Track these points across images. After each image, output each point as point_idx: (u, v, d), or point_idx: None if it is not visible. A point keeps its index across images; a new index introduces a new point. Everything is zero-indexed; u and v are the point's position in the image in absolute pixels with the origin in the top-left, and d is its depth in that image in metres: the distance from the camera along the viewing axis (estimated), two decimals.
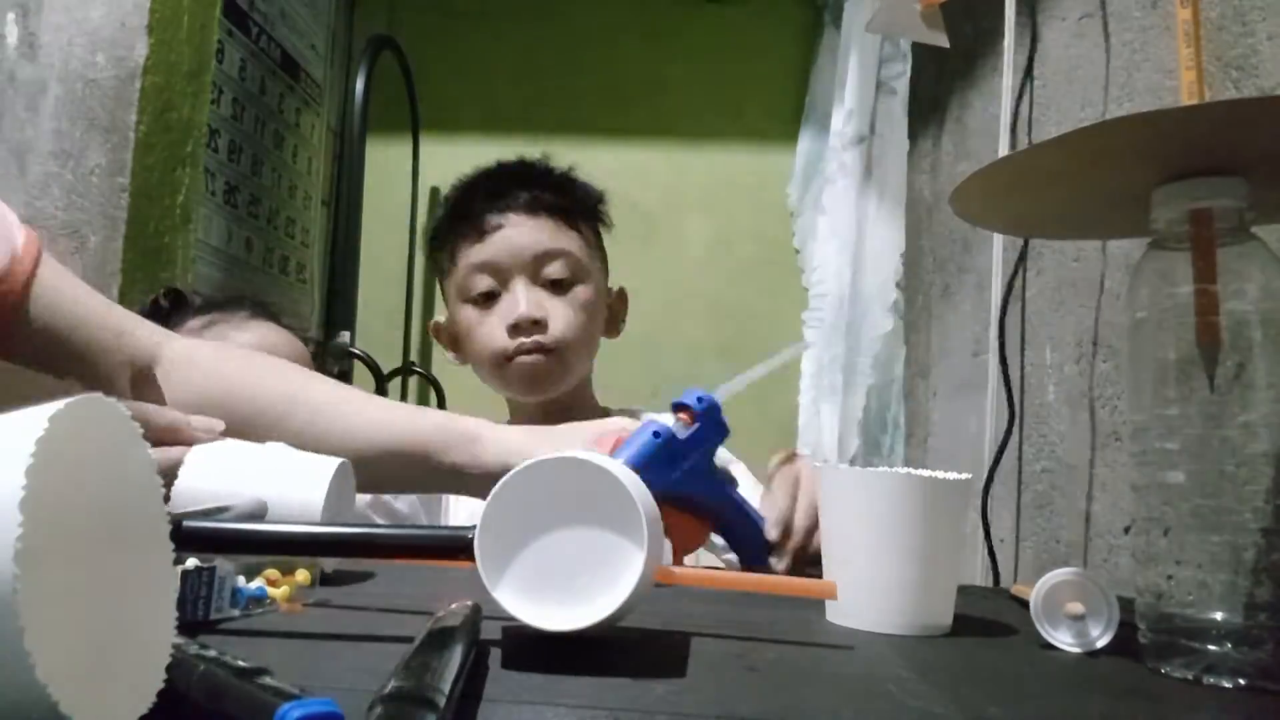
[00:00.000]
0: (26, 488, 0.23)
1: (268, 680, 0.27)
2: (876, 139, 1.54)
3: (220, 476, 0.54)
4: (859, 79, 1.53)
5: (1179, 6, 0.67)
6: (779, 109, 1.84)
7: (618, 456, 0.62)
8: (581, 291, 0.98)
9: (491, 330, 0.97)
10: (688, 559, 0.73)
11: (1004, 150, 1.02)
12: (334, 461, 0.57)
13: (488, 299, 0.98)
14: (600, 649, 0.43)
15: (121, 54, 1.16)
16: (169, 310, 0.99)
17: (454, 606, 0.40)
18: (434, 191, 1.92)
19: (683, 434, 0.65)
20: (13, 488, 0.23)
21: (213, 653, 0.29)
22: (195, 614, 0.42)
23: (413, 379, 1.88)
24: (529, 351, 0.96)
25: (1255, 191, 0.46)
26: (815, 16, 1.85)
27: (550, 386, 0.98)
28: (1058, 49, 1.00)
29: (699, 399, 0.67)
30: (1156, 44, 0.80)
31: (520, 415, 1.05)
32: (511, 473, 0.39)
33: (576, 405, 1.02)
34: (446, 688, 0.29)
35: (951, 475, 0.53)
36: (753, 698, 0.36)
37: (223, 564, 0.44)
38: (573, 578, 0.39)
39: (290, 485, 0.54)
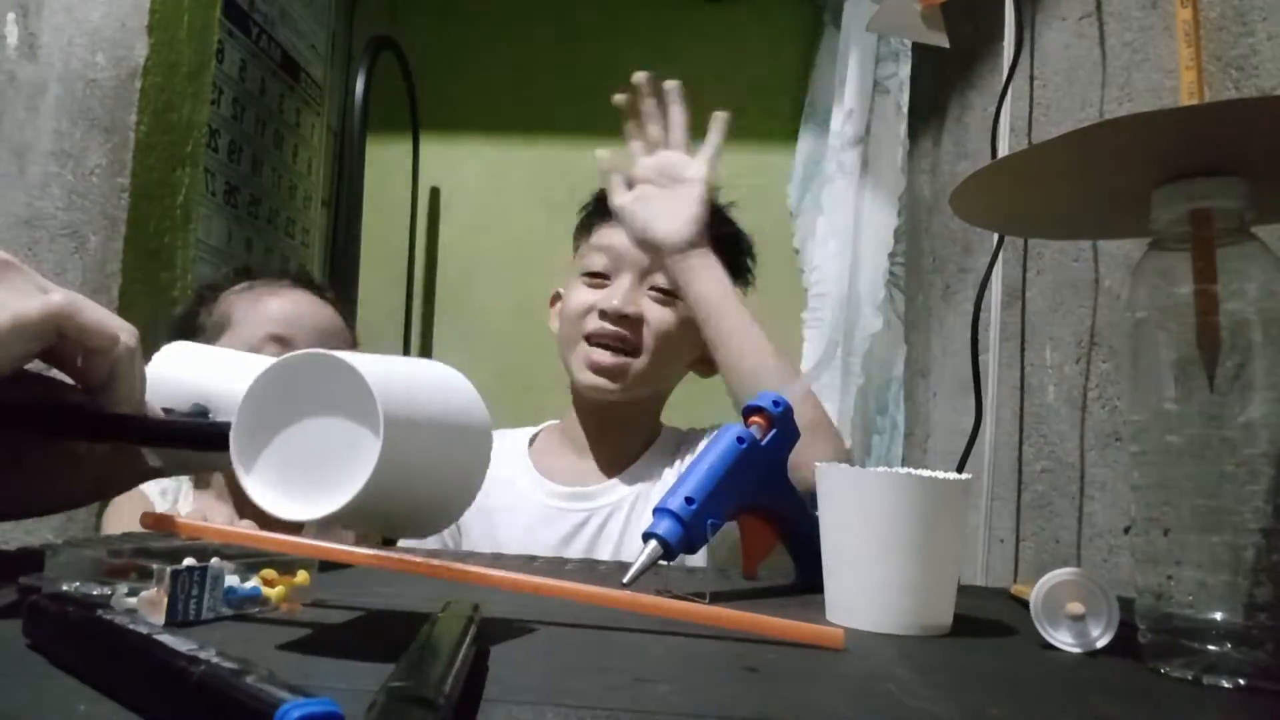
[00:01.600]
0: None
1: (268, 680, 0.27)
2: (871, 139, 1.54)
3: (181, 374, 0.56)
4: (858, 79, 1.53)
5: (1179, 6, 0.67)
6: (779, 109, 1.84)
7: (699, 463, 0.60)
8: (682, 307, 0.96)
9: (585, 307, 0.99)
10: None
11: (1004, 150, 1.02)
12: (266, 360, 0.53)
13: (595, 279, 1.01)
14: (600, 649, 0.43)
15: (122, 54, 1.16)
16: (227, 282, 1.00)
17: (454, 606, 0.40)
18: (434, 191, 1.92)
19: (763, 439, 0.63)
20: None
21: (212, 652, 0.29)
22: (186, 614, 0.42)
23: None
24: (605, 345, 0.97)
25: (1255, 191, 0.46)
26: (815, 17, 1.85)
27: (617, 379, 0.98)
28: (1058, 49, 1.00)
29: (774, 402, 0.64)
30: (1156, 44, 0.80)
31: (580, 416, 1.05)
32: (265, 369, 0.40)
33: (639, 418, 1.03)
34: (446, 688, 0.29)
35: (951, 475, 0.53)
36: (753, 698, 0.36)
37: (215, 563, 0.44)
38: (317, 469, 0.39)
39: (221, 381, 0.55)
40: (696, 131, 1.82)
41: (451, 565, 0.46)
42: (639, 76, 0.98)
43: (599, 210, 1.04)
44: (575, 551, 0.97)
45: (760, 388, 0.67)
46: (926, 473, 0.53)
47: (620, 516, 0.98)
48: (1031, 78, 1.04)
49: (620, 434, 1.03)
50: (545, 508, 1.00)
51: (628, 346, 0.97)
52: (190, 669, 0.28)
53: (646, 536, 0.57)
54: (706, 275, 0.91)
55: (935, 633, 0.51)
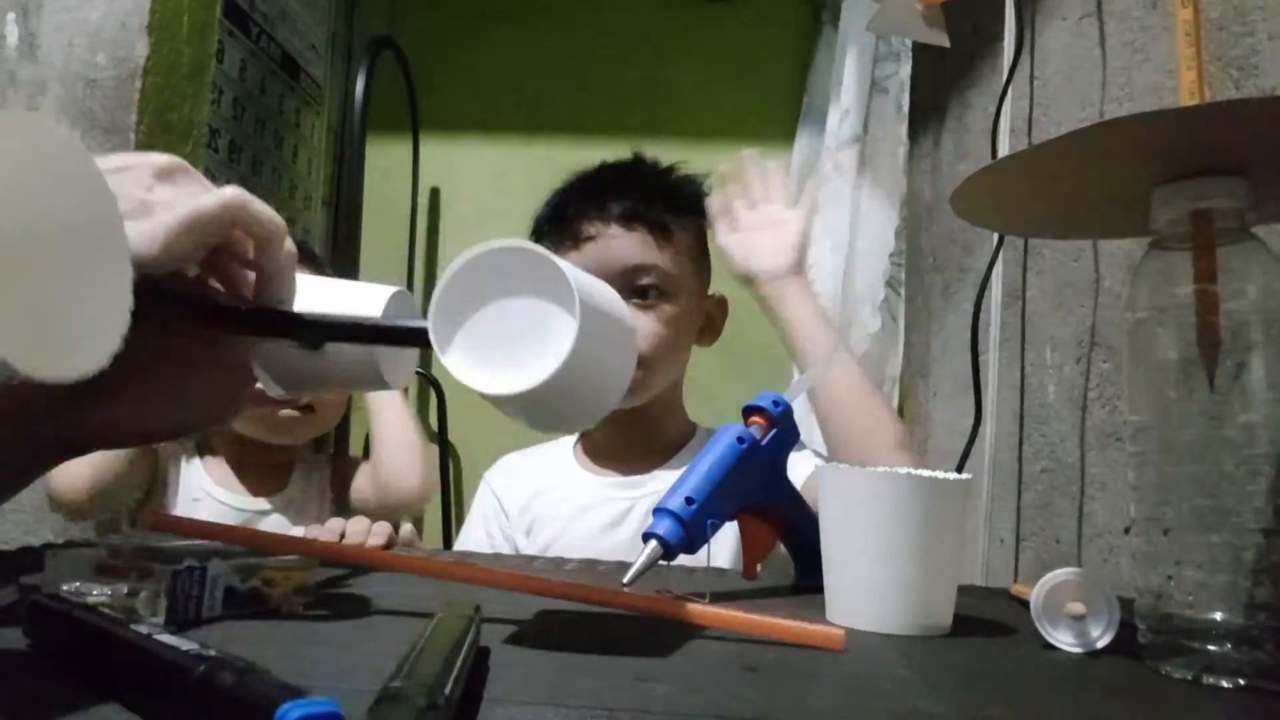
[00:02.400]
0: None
1: (268, 680, 0.27)
2: (869, 139, 1.54)
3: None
4: (856, 79, 1.53)
5: (1179, 6, 0.67)
6: (778, 109, 1.84)
7: (699, 463, 0.60)
8: (669, 308, 0.97)
9: None
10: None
11: (1004, 150, 1.02)
12: (387, 289, 0.56)
13: None
14: (600, 649, 0.43)
15: (122, 54, 1.16)
16: None
17: (454, 606, 0.40)
18: (434, 191, 1.92)
19: (763, 439, 0.63)
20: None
21: (212, 652, 0.29)
22: (186, 613, 0.42)
23: (413, 379, 1.88)
24: None
25: (1255, 191, 0.45)
26: (814, 17, 1.85)
27: (629, 396, 0.97)
28: (1058, 49, 1.00)
29: (774, 402, 0.64)
30: (1157, 44, 0.80)
31: (603, 428, 1.04)
32: (464, 257, 0.42)
33: (664, 415, 1.03)
34: (446, 688, 0.29)
35: (951, 475, 0.53)
36: (753, 698, 0.36)
37: (216, 564, 0.44)
38: (509, 350, 0.42)
39: (345, 308, 0.54)
40: (696, 131, 1.83)
41: (451, 564, 0.46)
42: (746, 155, 1.01)
43: (552, 233, 1.00)
44: (622, 535, 0.97)
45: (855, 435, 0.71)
46: (926, 473, 0.53)
47: None
48: (1032, 77, 1.04)
49: (649, 431, 1.03)
50: (593, 495, 1.01)
51: None
52: (190, 669, 0.28)
53: (646, 537, 0.57)
54: (801, 299, 0.92)
55: (935, 633, 0.51)
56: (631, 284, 0.96)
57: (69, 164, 0.35)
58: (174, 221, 0.44)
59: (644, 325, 0.96)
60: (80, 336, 0.33)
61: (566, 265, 0.42)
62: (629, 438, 1.03)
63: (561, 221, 1.00)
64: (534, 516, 1.01)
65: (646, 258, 0.96)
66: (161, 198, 0.46)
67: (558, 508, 1.01)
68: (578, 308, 0.40)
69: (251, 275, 0.49)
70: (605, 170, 1.05)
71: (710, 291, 1.06)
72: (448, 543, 1.64)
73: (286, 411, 0.98)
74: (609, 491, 1.01)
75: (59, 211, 0.34)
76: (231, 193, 0.46)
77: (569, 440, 1.10)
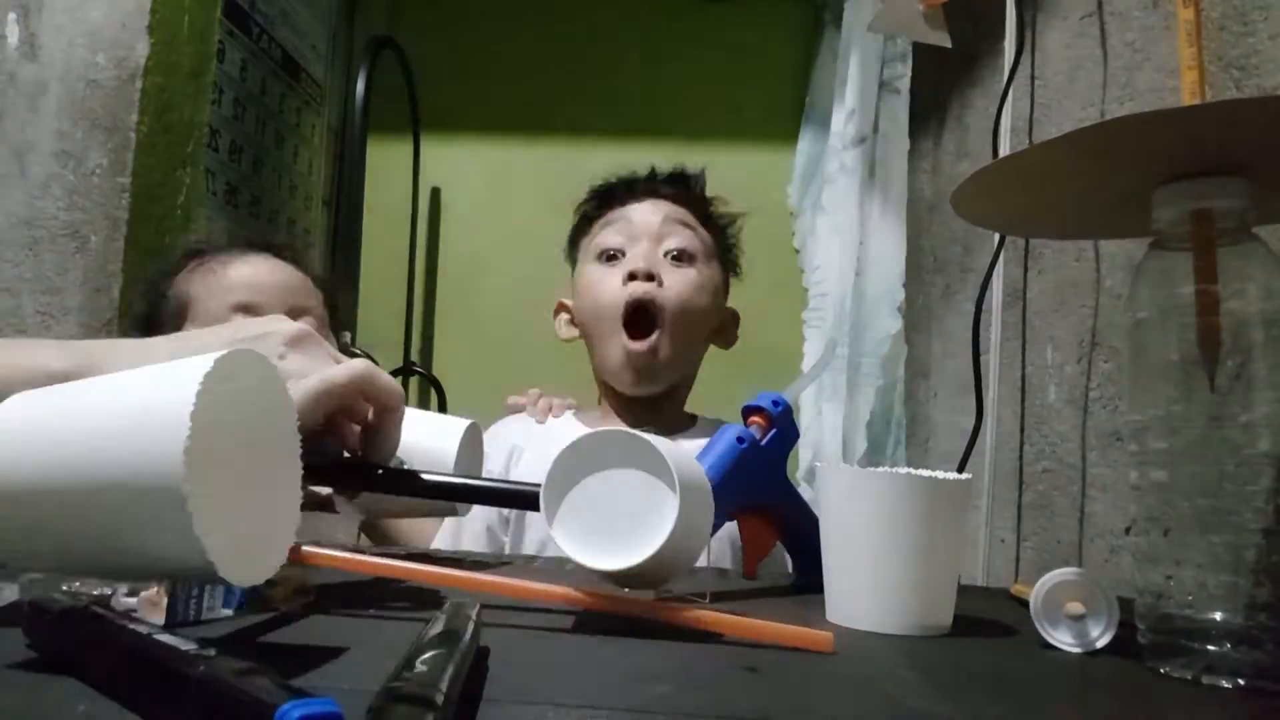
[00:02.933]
0: (195, 404, 0.33)
1: (268, 680, 0.27)
2: (880, 139, 1.54)
3: None
4: (860, 79, 1.53)
5: (1180, 6, 0.67)
6: (779, 109, 1.84)
7: (699, 462, 0.60)
8: (697, 271, 1.06)
9: (612, 281, 1.04)
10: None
11: (1004, 150, 1.02)
12: (463, 422, 0.64)
13: (612, 259, 1.06)
14: (600, 649, 0.43)
15: (122, 54, 1.16)
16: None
17: (454, 606, 0.40)
18: (434, 191, 1.92)
19: (763, 439, 0.63)
20: (186, 403, 0.33)
21: (213, 653, 0.29)
22: (186, 614, 0.42)
23: (413, 379, 1.88)
24: (637, 330, 1.01)
25: (1256, 191, 0.45)
26: (815, 16, 1.85)
27: (657, 342, 1.02)
28: (1058, 49, 1.00)
29: (774, 402, 0.64)
30: (1157, 44, 0.80)
31: (610, 404, 1.09)
32: (576, 440, 0.47)
33: (668, 406, 1.08)
34: (446, 688, 0.29)
35: (952, 475, 0.53)
36: (753, 698, 0.36)
37: None
38: (612, 525, 0.46)
39: (425, 438, 0.61)
40: (697, 131, 1.83)
41: (459, 575, 0.47)
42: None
43: (598, 199, 1.12)
44: None
45: None
46: (926, 473, 0.53)
47: None
48: (1032, 78, 1.04)
49: (652, 422, 1.04)
50: None
51: (660, 302, 1.01)
52: (190, 669, 0.28)
53: None
54: None
55: (935, 633, 0.51)
56: (662, 241, 1.05)
57: (268, 385, 0.40)
58: (309, 392, 0.49)
59: (675, 278, 1.03)
60: (263, 544, 0.39)
61: (666, 444, 0.46)
62: (632, 422, 1.05)
63: (608, 193, 1.12)
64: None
65: (683, 221, 1.08)
66: (293, 366, 0.51)
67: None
68: (678, 488, 0.44)
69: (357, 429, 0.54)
70: (637, 172, 1.15)
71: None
72: None
73: None
74: None
75: (266, 433, 0.40)
76: (360, 366, 0.51)
77: (573, 425, 1.10)
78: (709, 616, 0.45)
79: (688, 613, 0.45)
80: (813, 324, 1.63)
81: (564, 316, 1.14)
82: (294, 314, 0.96)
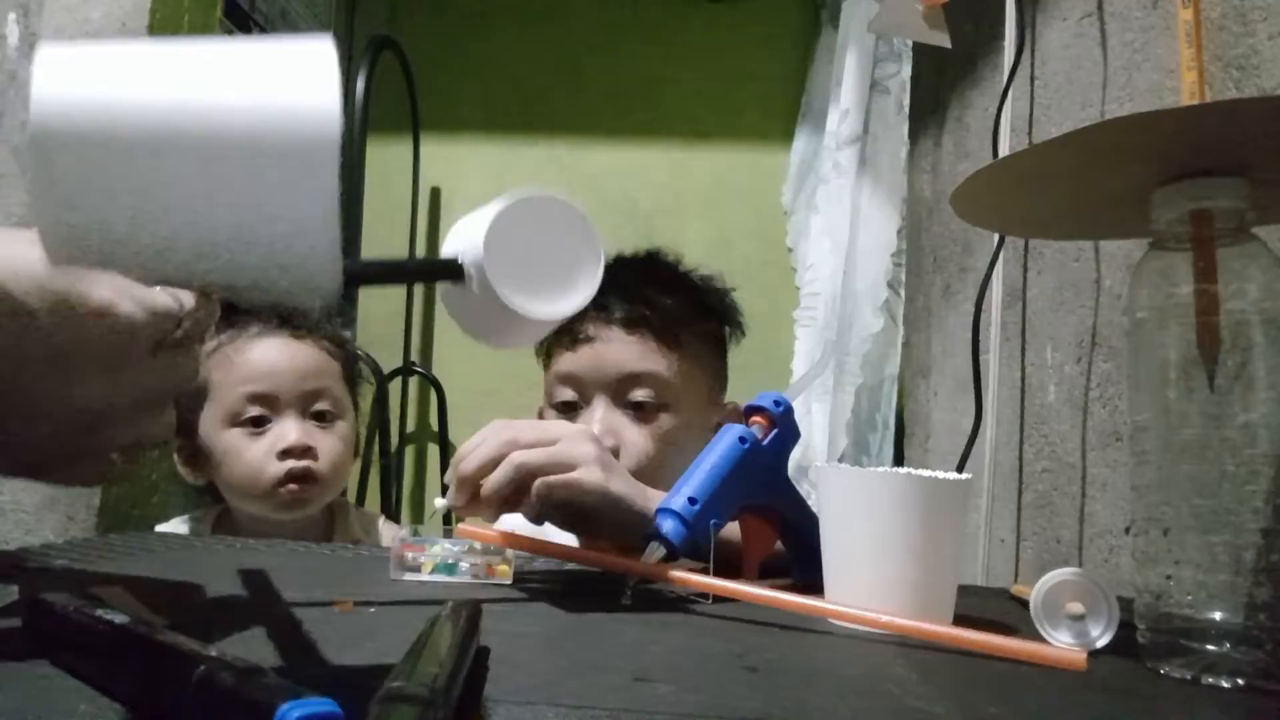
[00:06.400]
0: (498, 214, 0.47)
1: (268, 680, 0.27)
2: (870, 139, 1.54)
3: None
4: (855, 79, 1.53)
5: (1180, 6, 0.67)
6: (777, 109, 1.84)
7: (701, 463, 0.60)
8: (667, 420, 0.91)
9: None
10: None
11: (1004, 150, 1.02)
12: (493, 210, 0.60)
13: (567, 409, 0.93)
14: (600, 649, 0.43)
15: None
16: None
17: (454, 606, 0.40)
18: (434, 192, 1.92)
19: (764, 439, 0.63)
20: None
21: (213, 652, 0.29)
22: None
23: (413, 379, 1.88)
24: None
25: (1255, 191, 0.45)
26: (813, 16, 1.85)
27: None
28: (1058, 49, 1.00)
29: (775, 402, 0.64)
30: (1157, 44, 0.80)
31: None
32: (503, 206, 0.49)
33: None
34: (446, 687, 0.29)
35: (952, 475, 0.53)
36: (753, 698, 0.36)
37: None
38: (550, 282, 0.50)
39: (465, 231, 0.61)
40: (695, 131, 1.83)
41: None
42: None
43: (555, 336, 0.93)
44: None
45: None
46: (926, 473, 0.53)
47: None
48: (1032, 78, 1.04)
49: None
50: None
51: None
52: (190, 669, 0.28)
53: (648, 537, 0.57)
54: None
55: None
56: (625, 393, 0.91)
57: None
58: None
59: (634, 439, 0.89)
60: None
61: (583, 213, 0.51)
62: None
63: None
64: None
65: (645, 365, 0.91)
66: None
67: None
68: (600, 253, 0.51)
69: None
70: (617, 267, 0.94)
71: (726, 401, 1.00)
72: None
73: (289, 487, 0.96)
74: None
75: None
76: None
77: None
78: (956, 635, 0.47)
79: (929, 630, 0.47)
80: (804, 323, 1.63)
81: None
82: (309, 398, 0.98)
